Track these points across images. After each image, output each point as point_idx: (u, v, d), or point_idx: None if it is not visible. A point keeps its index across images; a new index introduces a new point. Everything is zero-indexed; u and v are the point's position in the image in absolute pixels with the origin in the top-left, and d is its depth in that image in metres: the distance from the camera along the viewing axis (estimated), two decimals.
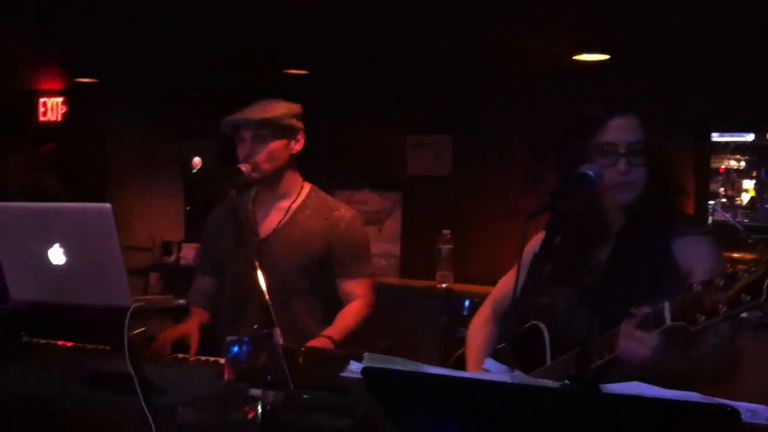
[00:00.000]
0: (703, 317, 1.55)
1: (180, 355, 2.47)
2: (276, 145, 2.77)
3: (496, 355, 2.02)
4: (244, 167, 2.72)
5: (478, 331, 2.30)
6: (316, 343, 2.62)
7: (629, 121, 1.99)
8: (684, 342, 1.62)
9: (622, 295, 1.90)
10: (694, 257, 1.93)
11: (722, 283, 1.54)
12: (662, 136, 2.04)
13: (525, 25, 4.42)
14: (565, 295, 2.09)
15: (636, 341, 1.67)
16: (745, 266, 1.54)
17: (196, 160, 6.33)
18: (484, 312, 2.36)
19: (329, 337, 2.65)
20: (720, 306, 1.53)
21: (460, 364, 2.28)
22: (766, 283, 1.48)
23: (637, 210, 1.99)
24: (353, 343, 2.68)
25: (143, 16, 4.48)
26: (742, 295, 1.50)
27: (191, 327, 2.63)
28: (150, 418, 1.87)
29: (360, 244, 2.87)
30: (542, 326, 2.06)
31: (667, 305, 1.63)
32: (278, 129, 2.76)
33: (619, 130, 1.98)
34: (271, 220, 2.86)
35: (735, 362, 1.91)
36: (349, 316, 2.78)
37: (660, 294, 1.69)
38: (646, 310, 1.69)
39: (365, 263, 2.87)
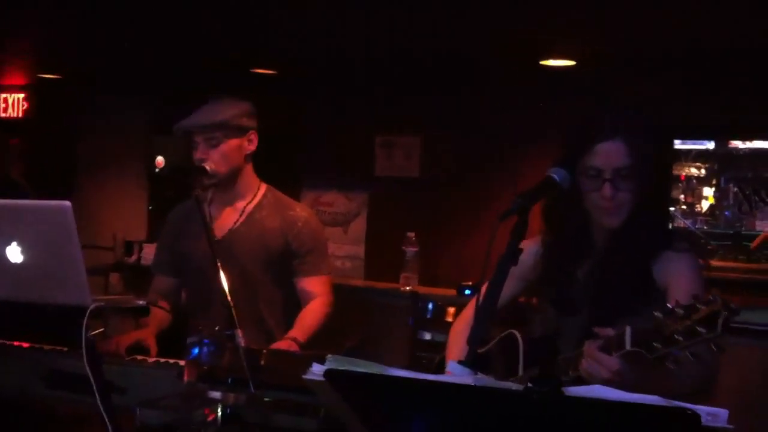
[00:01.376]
0: (660, 345, 1.57)
1: (140, 357, 2.44)
2: (229, 146, 2.76)
3: (471, 358, 2.03)
4: (208, 166, 2.71)
5: (460, 333, 2.29)
6: (281, 344, 2.61)
7: (616, 146, 1.96)
8: (648, 364, 1.63)
9: (599, 312, 1.91)
10: (672, 274, 1.94)
11: (681, 312, 1.55)
12: (656, 158, 2.03)
13: (494, 30, 4.45)
14: (544, 305, 2.11)
15: (597, 363, 1.69)
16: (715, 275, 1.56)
17: (159, 159, 6.26)
18: (465, 314, 2.35)
19: (294, 339, 2.64)
20: (676, 336, 1.54)
21: (442, 368, 2.27)
22: (722, 318, 1.50)
23: (623, 231, 2.00)
24: (319, 344, 2.68)
25: (111, 10, 4.42)
26: (698, 328, 1.52)
27: (146, 333, 2.60)
28: (107, 420, 1.84)
29: (317, 242, 2.87)
30: (517, 335, 2.07)
31: (629, 330, 1.65)
32: (229, 130, 2.76)
33: (606, 155, 1.97)
34: (227, 221, 2.85)
35: (712, 374, 1.90)
36: (312, 316, 2.78)
37: (637, 312, 1.71)
38: (609, 332, 1.70)
39: (322, 261, 2.88)
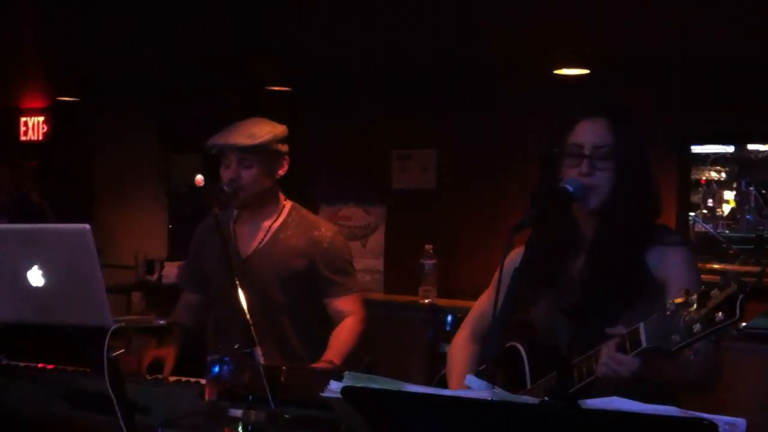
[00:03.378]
0: (678, 337, 1.54)
1: (161, 376, 2.46)
2: (261, 169, 2.74)
3: (478, 375, 2.02)
4: (226, 188, 2.71)
5: (459, 352, 2.29)
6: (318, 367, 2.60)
7: (598, 124, 1.98)
8: (664, 356, 1.61)
9: (599, 308, 1.89)
10: (670, 268, 1.91)
11: (696, 301, 1.52)
12: (644, 145, 2.03)
13: (507, 41, 4.45)
14: (544, 308, 2.09)
15: (614, 365, 1.66)
16: (717, 279, 1.52)
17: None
18: (463, 332, 2.34)
19: (330, 362, 2.63)
20: (694, 326, 1.51)
21: (444, 385, 2.27)
22: (739, 301, 1.46)
23: (607, 219, 1.98)
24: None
25: (129, 32, 4.47)
26: (716, 314, 1.48)
27: (167, 351, 2.61)
28: None
29: (344, 261, 2.86)
30: (520, 347, 2.06)
31: (642, 327, 1.62)
32: (265, 154, 2.74)
33: (586, 132, 1.98)
34: (253, 240, 2.84)
35: (718, 367, 1.89)
36: (346, 335, 2.76)
37: (637, 305, 1.68)
38: (621, 330, 1.67)
39: (351, 279, 2.86)
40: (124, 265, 6.49)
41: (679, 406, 1.27)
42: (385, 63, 5.19)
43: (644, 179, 2.01)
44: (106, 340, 1.91)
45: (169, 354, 2.60)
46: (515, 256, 1.97)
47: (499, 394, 1.43)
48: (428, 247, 5.06)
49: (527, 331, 2.10)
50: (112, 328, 1.94)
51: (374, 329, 2.93)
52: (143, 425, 2.01)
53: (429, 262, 5.03)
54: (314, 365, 2.60)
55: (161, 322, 2.20)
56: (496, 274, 1.95)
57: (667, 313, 1.56)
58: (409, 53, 4.89)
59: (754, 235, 5.50)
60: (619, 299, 1.89)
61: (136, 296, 6.28)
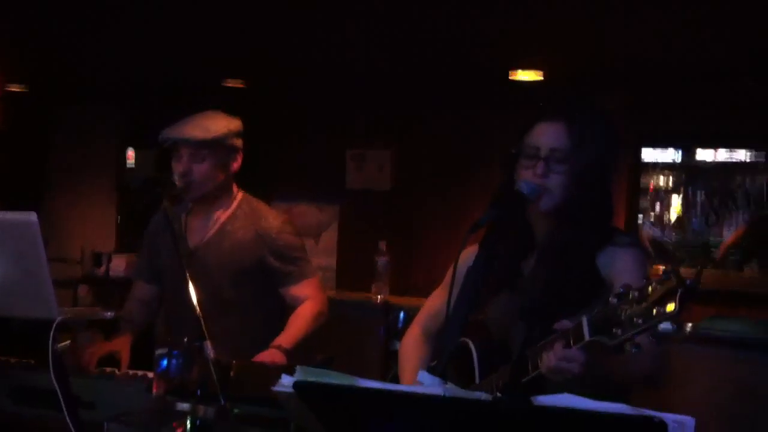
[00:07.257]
0: (620, 331, 1.55)
1: (108, 369, 2.41)
2: (214, 164, 2.72)
3: (429, 371, 2.03)
4: (177, 181, 2.68)
5: (410, 350, 2.28)
6: (264, 355, 2.56)
7: (555, 127, 1.98)
8: (608, 351, 1.63)
9: (549, 309, 1.91)
10: (619, 269, 1.92)
11: (636, 295, 1.54)
12: (604, 151, 2.03)
13: (463, 41, 4.48)
14: (497, 308, 2.10)
15: (558, 358, 1.67)
16: (658, 276, 1.55)
17: (130, 153, 6.23)
18: (414, 332, 2.32)
19: (278, 346, 2.60)
20: (635, 319, 1.53)
21: (396, 383, 2.26)
22: (678, 295, 1.48)
23: (559, 221, 1.99)
24: (302, 351, 2.65)
25: (80, 21, 4.39)
26: (656, 308, 1.50)
27: (121, 344, 2.57)
28: None
29: (295, 248, 2.84)
30: (470, 342, 2.07)
31: (585, 320, 1.63)
32: (218, 150, 2.71)
33: (544, 134, 1.99)
34: (202, 232, 2.82)
35: (663, 361, 1.92)
36: (298, 320, 2.73)
37: (586, 306, 1.70)
38: (567, 324, 1.68)
39: (305, 265, 2.84)
40: (71, 259, 6.38)
41: (629, 405, 1.28)
42: (339, 62, 5.18)
43: (600, 184, 2.01)
44: (52, 332, 1.86)
45: (123, 347, 2.55)
46: (469, 254, 1.97)
47: (451, 389, 1.43)
48: (382, 244, 5.07)
49: (481, 330, 2.11)
50: (58, 319, 1.89)
51: (326, 327, 2.91)
52: (90, 421, 1.96)
53: (382, 260, 5.04)
54: (261, 354, 2.57)
55: (108, 314, 2.15)
56: (449, 273, 1.95)
57: (609, 307, 1.58)
58: (365, 53, 4.89)
59: (700, 242, 5.61)
60: (568, 300, 1.90)
61: (83, 290, 6.18)
